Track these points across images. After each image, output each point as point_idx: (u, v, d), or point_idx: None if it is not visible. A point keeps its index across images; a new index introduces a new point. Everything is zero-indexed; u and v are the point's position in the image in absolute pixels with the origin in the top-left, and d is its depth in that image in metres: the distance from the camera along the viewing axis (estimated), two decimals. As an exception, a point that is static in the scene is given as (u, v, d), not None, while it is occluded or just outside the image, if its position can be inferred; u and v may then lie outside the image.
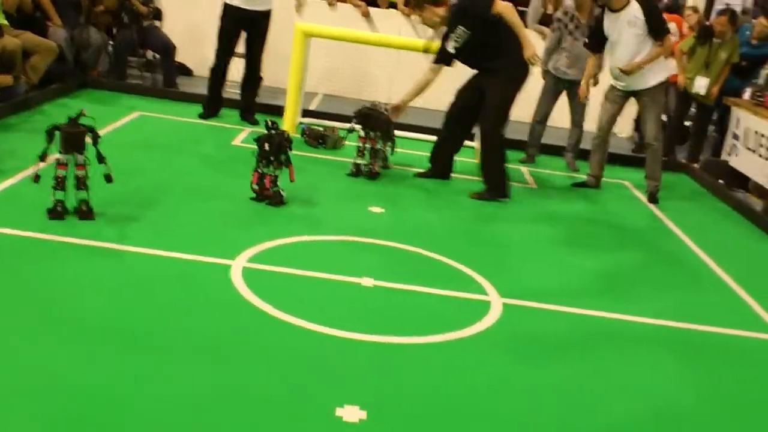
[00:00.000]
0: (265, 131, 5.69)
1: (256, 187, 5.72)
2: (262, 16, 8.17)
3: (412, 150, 7.94)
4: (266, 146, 5.59)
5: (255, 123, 8.34)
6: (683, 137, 9.73)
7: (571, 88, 8.12)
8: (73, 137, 4.83)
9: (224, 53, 8.29)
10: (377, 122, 6.79)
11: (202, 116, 8.29)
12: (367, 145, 6.84)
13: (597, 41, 7.38)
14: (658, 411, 3.69)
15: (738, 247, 6.57)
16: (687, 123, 9.78)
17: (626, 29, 7.04)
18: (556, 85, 8.22)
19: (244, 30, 8.19)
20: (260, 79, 8.62)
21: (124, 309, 3.91)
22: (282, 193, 5.71)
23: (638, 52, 7.07)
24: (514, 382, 3.75)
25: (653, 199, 7.46)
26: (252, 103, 8.56)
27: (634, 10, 7.00)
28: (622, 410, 3.65)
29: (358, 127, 6.83)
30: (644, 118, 7.44)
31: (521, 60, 6.62)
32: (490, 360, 3.93)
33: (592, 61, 7.51)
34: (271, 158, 5.62)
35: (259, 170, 5.69)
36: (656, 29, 7.02)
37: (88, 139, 4.87)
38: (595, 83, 8.07)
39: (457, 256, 5.23)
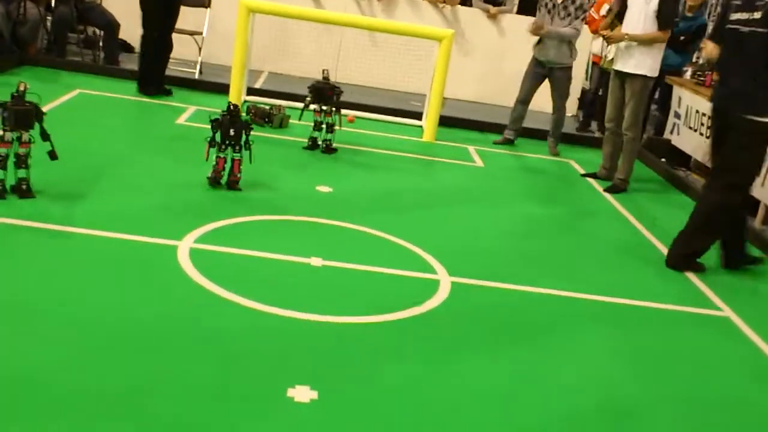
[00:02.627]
0: (224, 113, 5.50)
1: (221, 174, 5.56)
2: None
3: (362, 129, 7.91)
4: (232, 131, 5.44)
5: (169, 93, 8.32)
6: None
7: (552, 72, 8.18)
8: (22, 114, 4.70)
9: (157, 25, 8.11)
10: (329, 95, 6.84)
11: (148, 93, 8.15)
12: (325, 119, 6.89)
13: (619, 12, 7.31)
14: (601, 392, 3.76)
15: (680, 225, 6.67)
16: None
17: (641, 5, 7.00)
18: (536, 67, 8.26)
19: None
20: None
21: (67, 290, 3.82)
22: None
23: (642, 31, 6.99)
24: (462, 361, 3.77)
25: (614, 189, 7.29)
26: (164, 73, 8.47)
27: None
28: (565, 389, 3.70)
29: (313, 106, 6.88)
30: (625, 105, 7.28)
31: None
32: (437, 338, 3.94)
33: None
34: (233, 142, 5.47)
35: (222, 156, 5.51)
36: (664, 17, 6.95)
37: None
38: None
39: (406, 235, 5.23)
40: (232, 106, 5.48)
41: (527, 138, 8.85)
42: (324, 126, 6.93)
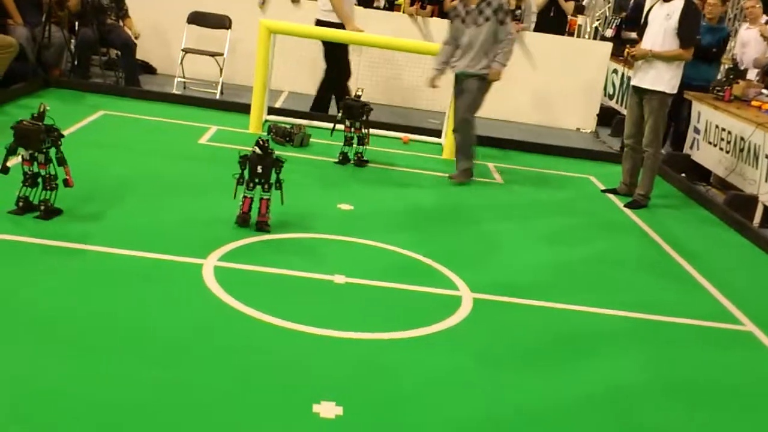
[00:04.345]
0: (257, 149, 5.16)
1: (248, 214, 5.22)
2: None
3: (382, 147, 7.96)
4: (259, 168, 5.10)
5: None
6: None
7: (462, 82, 7.22)
8: (24, 133, 4.76)
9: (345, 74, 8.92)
10: (360, 112, 7.12)
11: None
12: (355, 134, 7.20)
13: (640, 28, 7.35)
14: (625, 409, 3.76)
15: (701, 240, 6.68)
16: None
17: (661, 21, 7.02)
18: (455, 82, 7.37)
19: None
20: None
21: (92, 307, 3.89)
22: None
23: (661, 47, 7.00)
24: (484, 377, 3.80)
25: (634, 205, 7.27)
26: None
27: (676, 7, 6.97)
28: (588, 406, 3.71)
29: (340, 127, 7.18)
30: (645, 122, 7.25)
31: None
32: (461, 355, 3.97)
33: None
34: (262, 180, 5.15)
35: (249, 195, 5.19)
36: (686, 34, 6.95)
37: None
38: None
39: (427, 252, 5.26)
40: (261, 142, 5.15)
41: (547, 155, 8.87)
42: (355, 140, 7.20)
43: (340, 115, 7.19)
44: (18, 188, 4.87)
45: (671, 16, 6.94)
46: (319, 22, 8.66)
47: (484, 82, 7.16)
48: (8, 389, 3.15)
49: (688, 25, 6.95)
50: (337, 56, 8.75)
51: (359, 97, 7.21)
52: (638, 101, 7.28)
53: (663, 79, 7.03)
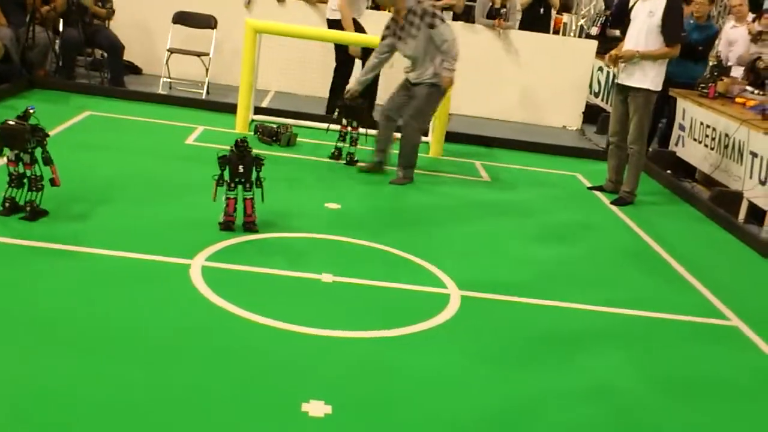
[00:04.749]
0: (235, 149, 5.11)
1: (233, 216, 5.16)
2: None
3: (369, 147, 7.97)
4: (240, 168, 5.05)
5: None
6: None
7: (412, 88, 7.06)
8: (8, 133, 4.74)
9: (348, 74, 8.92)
10: (358, 111, 7.27)
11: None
12: (351, 133, 7.32)
13: (623, 23, 7.44)
14: (612, 404, 3.79)
15: (686, 236, 6.72)
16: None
17: (644, 18, 7.04)
18: (404, 81, 7.21)
19: None
20: None
21: (81, 309, 3.88)
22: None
23: (644, 45, 7.02)
24: (473, 375, 3.81)
25: (620, 202, 7.30)
26: None
27: (658, 4, 6.97)
28: (575, 402, 3.73)
29: (336, 127, 7.32)
30: (629, 120, 7.26)
31: None
32: (449, 353, 3.98)
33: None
34: (243, 180, 5.10)
35: (232, 196, 5.12)
36: (670, 31, 6.96)
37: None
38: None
39: (414, 250, 5.27)
40: (240, 141, 5.10)
41: (533, 153, 8.90)
42: (348, 139, 7.30)
43: (336, 113, 7.24)
44: (3, 189, 4.85)
45: (654, 13, 6.95)
46: (330, 22, 8.78)
47: (435, 89, 6.98)
48: (8, 389, 3.14)
49: (672, 21, 6.96)
50: (343, 52, 8.91)
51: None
52: (623, 99, 7.30)
53: (647, 76, 7.05)
